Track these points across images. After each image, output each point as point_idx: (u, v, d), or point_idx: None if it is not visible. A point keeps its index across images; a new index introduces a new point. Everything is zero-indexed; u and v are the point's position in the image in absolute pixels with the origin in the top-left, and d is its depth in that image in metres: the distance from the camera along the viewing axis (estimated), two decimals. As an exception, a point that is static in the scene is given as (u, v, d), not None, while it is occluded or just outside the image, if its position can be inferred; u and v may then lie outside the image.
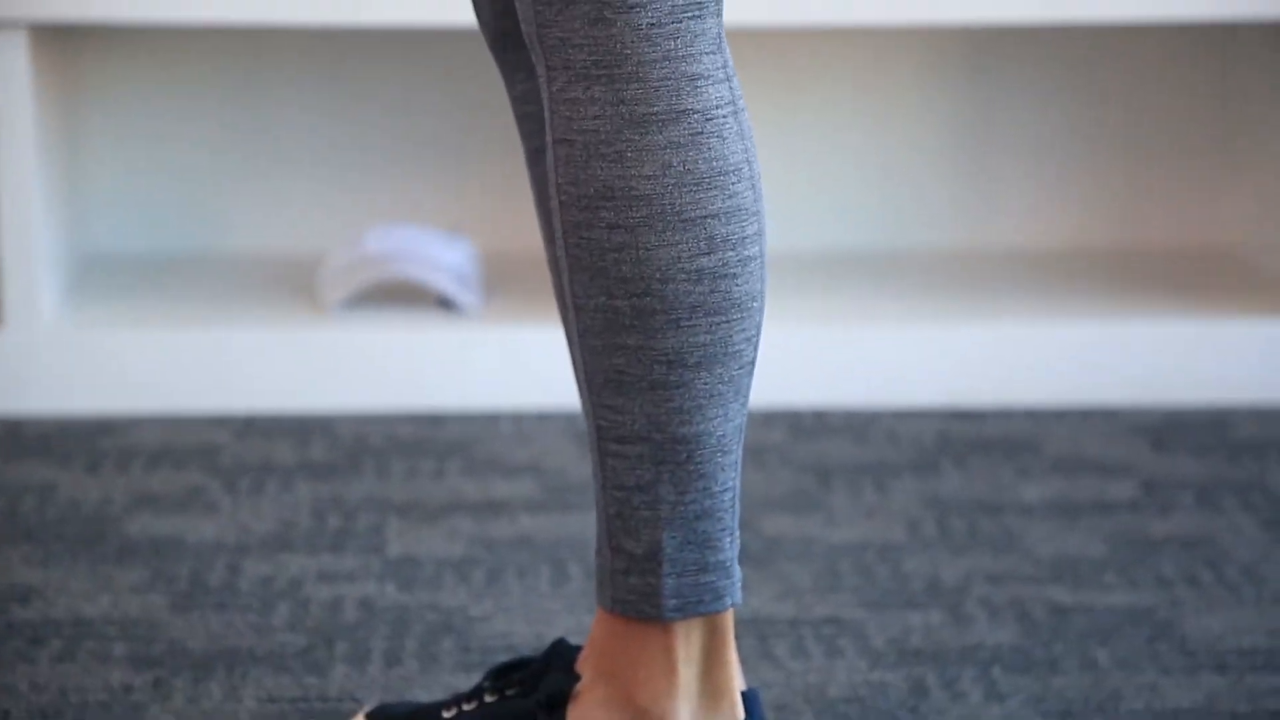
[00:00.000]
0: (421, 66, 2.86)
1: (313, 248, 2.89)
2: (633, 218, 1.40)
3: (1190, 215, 2.97)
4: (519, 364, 2.57)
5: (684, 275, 1.40)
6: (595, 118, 1.40)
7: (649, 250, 1.40)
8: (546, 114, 1.42)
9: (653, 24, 1.38)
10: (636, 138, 1.40)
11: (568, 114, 1.41)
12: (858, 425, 2.53)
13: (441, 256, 2.65)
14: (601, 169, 1.40)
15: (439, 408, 2.56)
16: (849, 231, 2.95)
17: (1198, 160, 2.95)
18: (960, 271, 2.84)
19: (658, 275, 1.40)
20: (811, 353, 2.59)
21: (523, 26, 1.42)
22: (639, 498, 1.45)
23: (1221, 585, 2.04)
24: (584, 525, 2.20)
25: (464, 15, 2.48)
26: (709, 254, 1.41)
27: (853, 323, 2.63)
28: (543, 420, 2.53)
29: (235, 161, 2.90)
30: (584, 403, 1.47)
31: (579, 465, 2.38)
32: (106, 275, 2.80)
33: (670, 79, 1.40)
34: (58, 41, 2.72)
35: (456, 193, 2.90)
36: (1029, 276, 2.82)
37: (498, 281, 2.76)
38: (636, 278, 1.40)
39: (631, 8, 1.38)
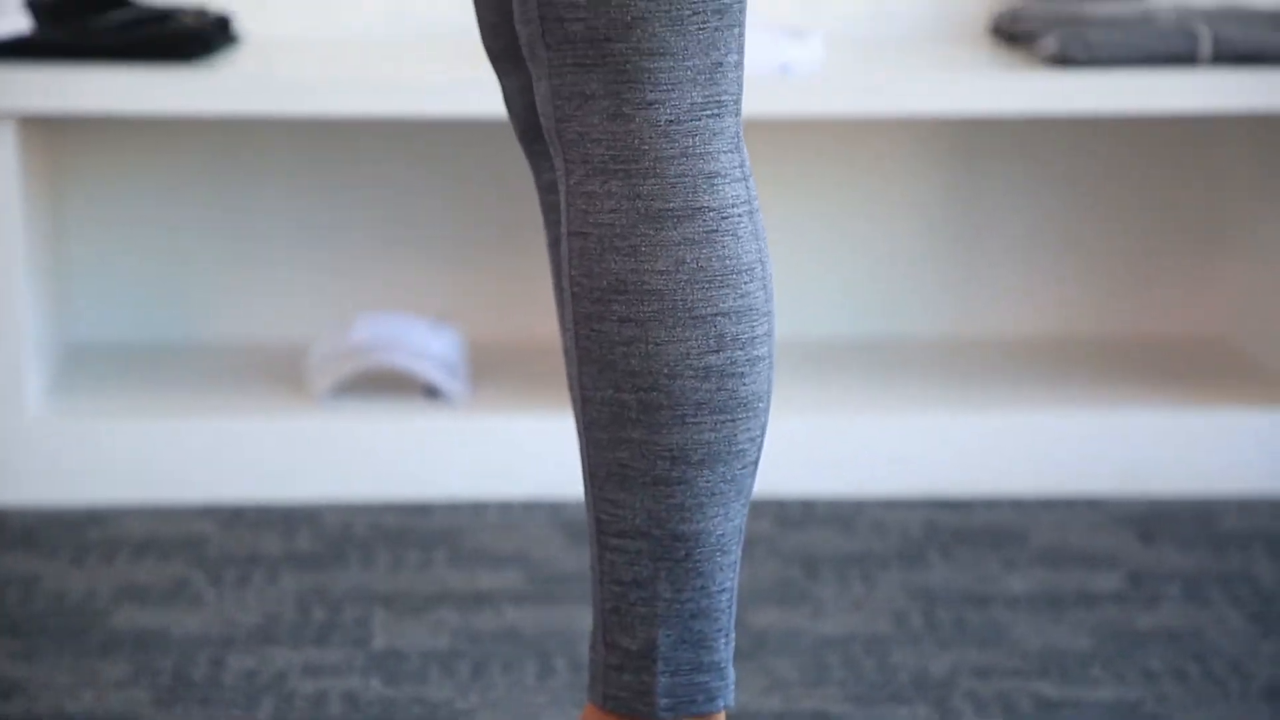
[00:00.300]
0: (406, 155, 2.87)
1: (299, 336, 2.89)
2: (644, 312, 1.40)
3: (1177, 305, 2.98)
4: (505, 453, 2.56)
5: (692, 372, 1.41)
6: (611, 211, 1.41)
7: (658, 345, 1.40)
8: (563, 206, 1.43)
9: (671, 121, 1.39)
10: (651, 233, 1.40)
11: (584, 207, 1.41)
12: (844, 515, 2.52)
13: (428, 345, 2.65)
14: (615, 262, 1.40)
15: (425, 497, 2.55)
16: (835, 320, 2.95)
17: (1185, 250, 2.96)
18: (947, 360, 2.84)
19: (666, 370, 1.40)
20: (798, 441, 2.59)
21: (542, 121, 1.44)
22: (636, 594, 1.45)
23: (1208, 680, 2.03)
24: (570, 618, 2.19)
25: (446, 105, 2.49)
26: (718, 352, 1.41)
27: (839, 411, 2.63)
28: (529, 509, 2.53)
29: (221, 250, 2.91)
30: (586, 495, 1.46)
31: (566, 556, 2.38)
32: (92, 364, 2.80)
33: (687, 176, 1.40)
34: (45, 132, 2.73)
35: (443, 280, 2.90)
36: (1016, 365, 2.82)
37: (484, 370, 2.75)
38: (645, 372, 1.41)
39: (650, 104, 1.39)
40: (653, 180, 1.40)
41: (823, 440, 2.59)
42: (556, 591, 2.27)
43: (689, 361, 1.40)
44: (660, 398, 1.40)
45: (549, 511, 2.52)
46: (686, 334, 1.40)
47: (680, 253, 1.40)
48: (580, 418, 1.44)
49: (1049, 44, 2.60)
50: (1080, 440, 2.61)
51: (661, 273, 1.40)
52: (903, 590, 2.27)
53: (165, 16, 2.63)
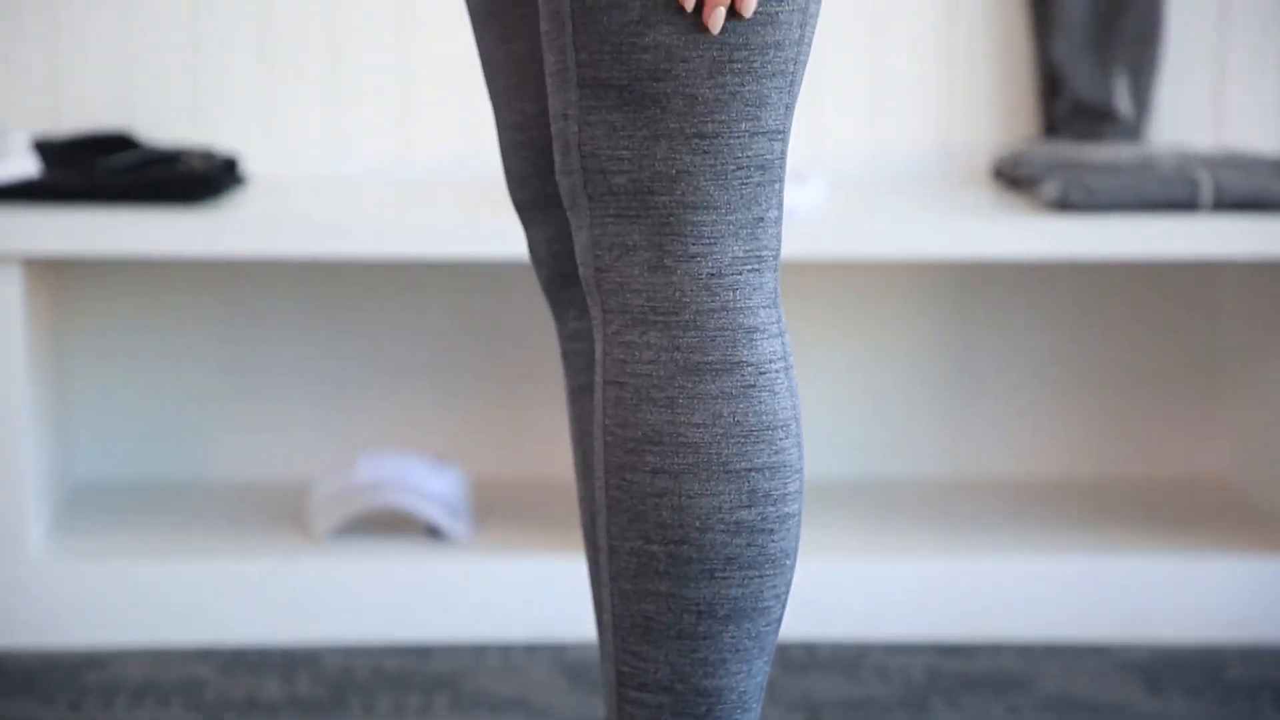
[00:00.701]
0: (409, 295, 2.87)
1: (302, 474, 2.88)
2: (678, 464, 1.40)
3: (1178, 448, 2.97)
4: (508, 594, 2.55)
5: (723, 526, 1.40)
6: (650, 362, 1.41)
7: (691, 498, 1.40)
8: (599, 355, 1.43)
9: (713, 274, 1.40)
10: (689, 385, 1.40)
11: (621, 357, 1.41)
12: (847, 660, 2.50)
13: (430, 485, 2.64)
14: (651, 414, 1.40)
15: (426, 639, 2.54)
16: (836, 460, 2.94)
17: (1184, 393, 2.96)
18: (949, 503, 2.83)
19: (697, 524, 1.40)
20: (800, 584, 2.58)
21: (580, 270, 1.44)
22: None
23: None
24: (572, 767, 2.17)
25: (450, 248, 2.49)
26: (749, 507, 1.40)
27: (841, 554, 2.61)
28: (531, 652, 2.51)
29: (223, 390, 2.90)
30: (605, 645, 1.45)
31: (566, 700, 2.36)
32: (94, 504, 2.79)
33: (727, 329, 1.40)
34: (50, 274, 2.73)
35: (446, 420, 2.89)
36: (1018, 509, 2.81)
37: (487, 509, 2.74)
38: (675, 524, 1.40)
39: (692, 257, 1.40)
40: (692, 333, 1.40)
41: (825, 584, 2.58)
42: (558, 739, 2.25)
43: (721, 516, 1.40)
44: (690, 551, 1.40)
45: (551, 654, 2.50)
46: (720, 488, 1.40)
47: (717, 406, 1.40)
48: (605, 568, 1.43)
49: (1050, 189, 2.60)
50: (1084, 585, 2.59)
51: (698, 425, 1.40)
52: (906, 739, 2.25)
53: (172, 159, 2.65)
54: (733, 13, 1.36)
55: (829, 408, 2.94)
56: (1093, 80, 2.86)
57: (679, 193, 1.39)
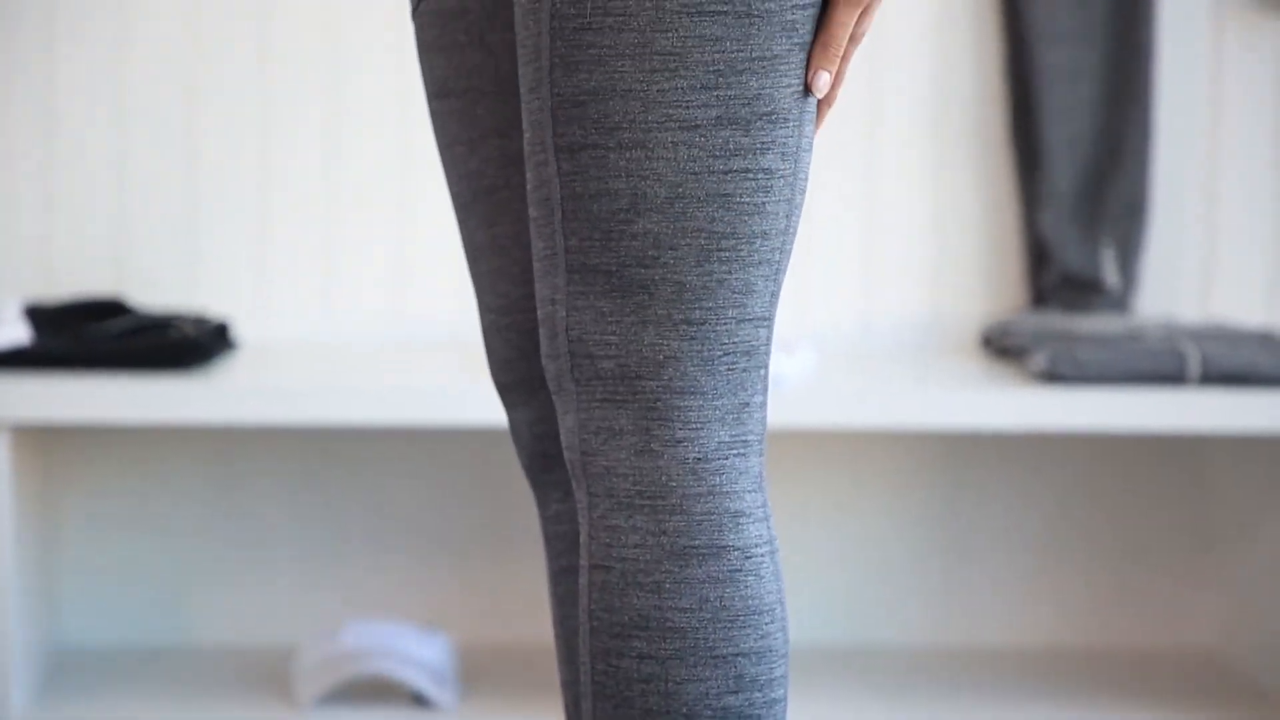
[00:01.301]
0: (397, 461, 2.87)
1: (288, 641, 2.86)
2: (665, 650, 1.39)
3: (1168, 620, 2.96)
4: (493, 765, 2.53)
5: (710, 712, 1.39)
6: (636, 546, 1.40)
7: (678, 684, 1.39)
8: (584, 539, 1.42)
9: (699, 458, 1.40)
10: (676, 569, 1.39)
11: (607, 540, 1.41)
12: None
13: (417, 652, 2.62)
14: (638, 598, 1.39)
15: (411, 811, 2.52)
16: (826, 631, 2.93)
17: (1175, 565, 2.95)
18: (939, 673, 2.82)
19: (684, 710, 1.39)
20: None
21: (566, 454, 1.43)
22: None
23: None
24: None
25: (437, 414, 2.49)
26: (736, 693, 1.39)
27: None
28: (516, 825, 2.49)
29: (210, 555, 2.89)
30: None
31: None
32: (79, 669, 2.77)
33: (714, 514, 1.40)
34: (39, 441, 2.72)
35: (433, 587, 2.88)
36: (1008, 679, 2.80)
37: (474, 677, 2.72)
38: (662, 711, 1.39)
39: (679, 442, 1.39)
40: (679, 517, 1.39)
41: None
42: None
43: (708, 701, 1.39)
44: None
45: (536, 827, 2.47)
46: (707, 674, 1.39)
47: (704, 591, 1.39)
48: None
49: (1039, 360, 2.61)
50: None
51: (685, 610, 1.39)
52: None
53: (164, 324, 2.65)
54: (721, 200, 1.38)
55: (818, 576, 2.93)
56: (1080, 252, 2.88)
57: (666, 378, 1.39)
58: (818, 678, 2.78)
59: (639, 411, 1.40)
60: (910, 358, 2.83)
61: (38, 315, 2.67)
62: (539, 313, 1.44)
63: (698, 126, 1.36)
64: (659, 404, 1.40)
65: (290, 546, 2.89)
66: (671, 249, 1.38)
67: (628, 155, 1.37)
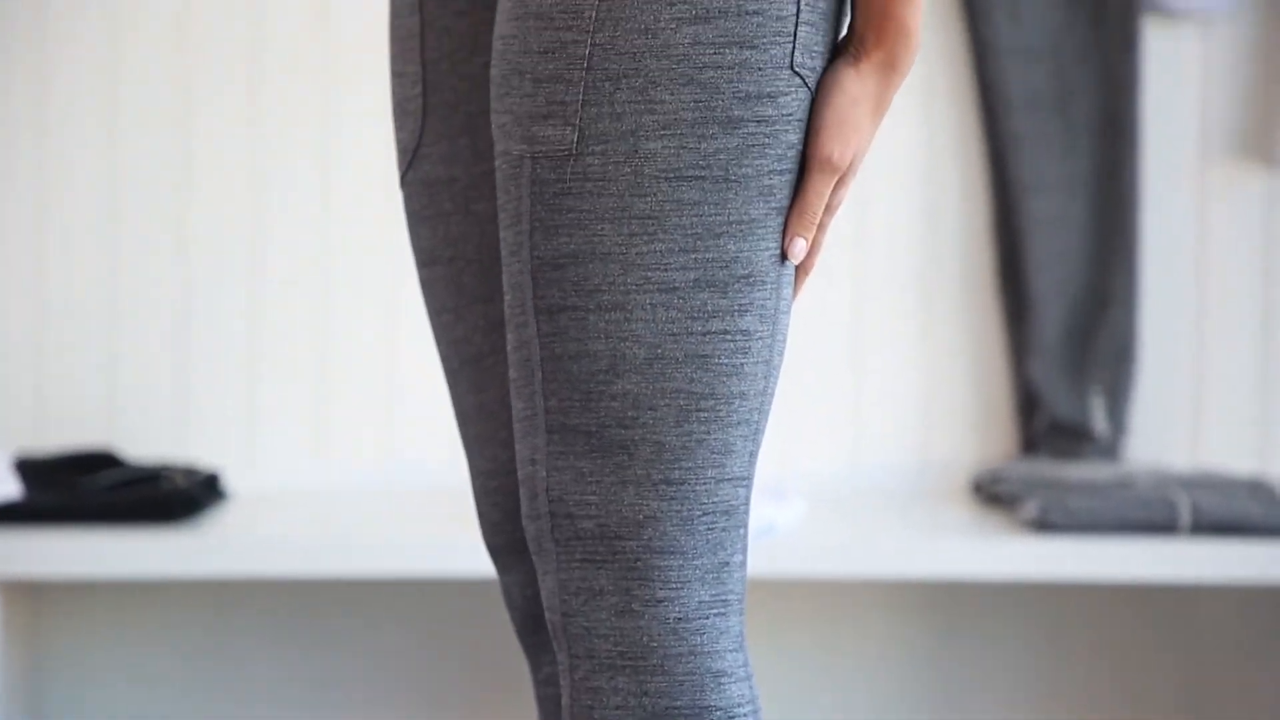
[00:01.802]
0: (390, 612, 2.86)
1: None
2: None
3: None
4: None
5: None
6: (618, 708, 1.39)
7: None
8: (566, 702, 1.42)
9: (680, 618, 1.39)
10: None
11: (589, 703, 1.40)
12: None
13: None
14: None
15: None
16: None
17: (1167, 716, 2.93)
18: None
19: None
20: None
21: (547, 615, 1.43)
22: None
23: None
24: None
25: (431, 565, 2.49)
26: None
27: None
28: None
29: (198, 709, 2.88)
30: None
31: None
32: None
33: (695, 674, 1.39)
34: (28, 595, 2.72)
35: (426, 737, 2.86)
36: None
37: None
38: None
39: (660, 602, 1.39)
40: (660, 678, 1.39)
41: None
42: None
43: None
44: None
45: None
46: None
47: None
48: None
49: (1030, 508, 2.61)
50: None
51: None
52: None
53: (155, 476, 2.66)
54: (700, 361, 1.38)
55: (806, 713, 2.91)
56: (1069, 399, 2.89)
57: (646, 537, 1.39)
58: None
59: (619, 571, 1.40)
60: (900, 504, 2.83)
61: (27, 468, 2.67)
62: (519, 473, 1.44)
63: (676, 289, 1.37)
64: (639, 564, 1.40)
65: (280, 699, 2.87)
66: (651, 409, 1.38)
67: (607, 317, 1.37)
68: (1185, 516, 2.58)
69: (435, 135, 1.56)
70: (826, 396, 2.92)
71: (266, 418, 2.85)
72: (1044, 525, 2.58)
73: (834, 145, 1.42)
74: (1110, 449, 2.87)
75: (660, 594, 1.40)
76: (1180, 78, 2.93)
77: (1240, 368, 2.94)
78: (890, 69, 1.43)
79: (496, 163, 1.43)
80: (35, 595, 2.78)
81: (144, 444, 2.87)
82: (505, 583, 1.63)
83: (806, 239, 1.42)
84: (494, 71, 1.44)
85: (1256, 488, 2.69)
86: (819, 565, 2.57)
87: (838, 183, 1.43)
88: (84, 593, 2.84)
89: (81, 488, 2.61)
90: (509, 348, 1.43)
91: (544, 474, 1.41)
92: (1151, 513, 2.59)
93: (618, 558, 1.40)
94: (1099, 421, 2.88)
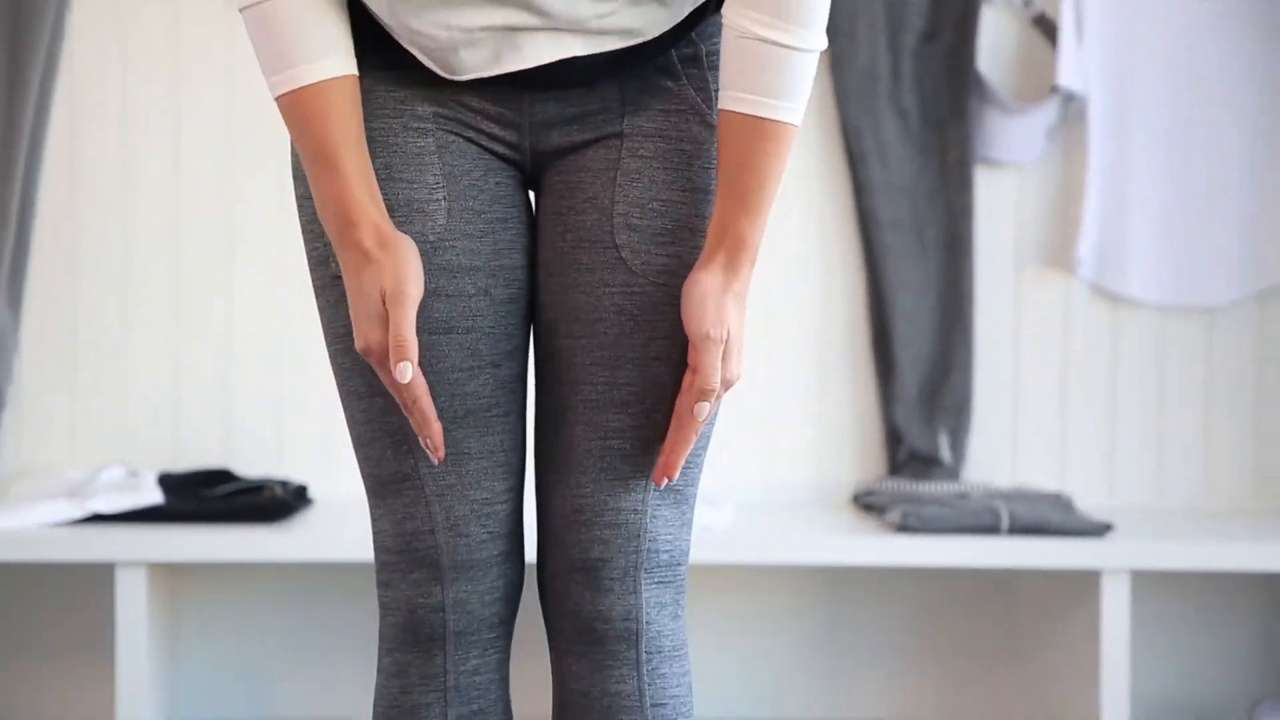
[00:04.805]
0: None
1: (350, 714, 2.78)
2: None
3: (990, 705, 2.86)
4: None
5: None
6: (677, 686, 1.39)
7: None
8: (635, 687, 1.39)
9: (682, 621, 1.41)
10: (691, 701, 1.41)
11: (662, 685, 1.38)
12: None
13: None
14: None
15: None
16: (739, 707, 2.83)
17: (994, 665, 2.86)
18: None
19: None
20: None
21: (618, 624, 1.38)
22: None
23: None
24: None
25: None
26: None
27: None
28: None
29: (291, 657, 2.82)
30: None
31: None
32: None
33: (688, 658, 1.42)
34: (167, 576, 2.67)
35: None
36: None
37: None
38: None
39: (684, 608, 1.41)
40: (688, 662, 1.41)
41: None
42: None
43: None
44: None
45: None
46: None
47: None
48: None
49: (895, 516, 2.59)
50: None
51: None
52: None
53: (259, 488, 2.64)
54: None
55: (736, 670, 2.85)
56: (923, 436, 2.84)
57: (687, 563, 1.42)
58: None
59: (676, 589, 1.40)
60: (801, 511, 2.78)
61: (167, 482, 2.66)
62: (611, 517, 1.37)
63: None
64: (684, 583, 1.41)
65: (350, 648, 2.81)
66: (696, 469, 1.41)
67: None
68: (1005, 521, 2.56)
69: (458, 233, 1.38)
70: (749, 431, 2.87)
71: (342, 442, 2.65)
72: (905, 528, 2.56)
73: (706, 325, 1.33)
74: (953, 473, 2.84)
75: (685, 603, 1.42)
76: (1002, 208, 2.88)
77: (1047, 415, 2.89)
78: (732, 271, 1.33)
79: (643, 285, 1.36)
80: (173, 575, 2.74)
81: (252, 463, 2.83)
82: (464, 593, 1.42)
83: (708, 401, 1.34)
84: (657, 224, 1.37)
85: (1057, 500, 2.67)
86: (743, 555, 2.54)
87: (724, 357, 1.34)
88: (208, 572, 2.81)
89: (206, 496, 2.59)
90: (626, 424, 1.37)
91: (647, 521, 1.38)
92: (981, 518, 2.56)
93: (677, 579, 1.40)
94: (945, 452, 2.83)
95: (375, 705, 1.42)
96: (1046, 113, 2.83)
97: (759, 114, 1.31)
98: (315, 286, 1.40)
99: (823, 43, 1.31)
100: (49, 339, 2.80)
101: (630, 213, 1.37)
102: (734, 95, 1.31)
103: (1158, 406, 2.91)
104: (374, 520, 1.44)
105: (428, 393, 1.34)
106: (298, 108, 1.32)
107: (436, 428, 1.35)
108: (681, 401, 1.35)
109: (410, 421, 1.35)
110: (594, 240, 1.38)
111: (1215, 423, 2.92)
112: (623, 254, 1.37)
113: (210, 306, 2.83)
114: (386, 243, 1.32)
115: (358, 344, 1.33)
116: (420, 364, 1.36)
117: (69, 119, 2.80)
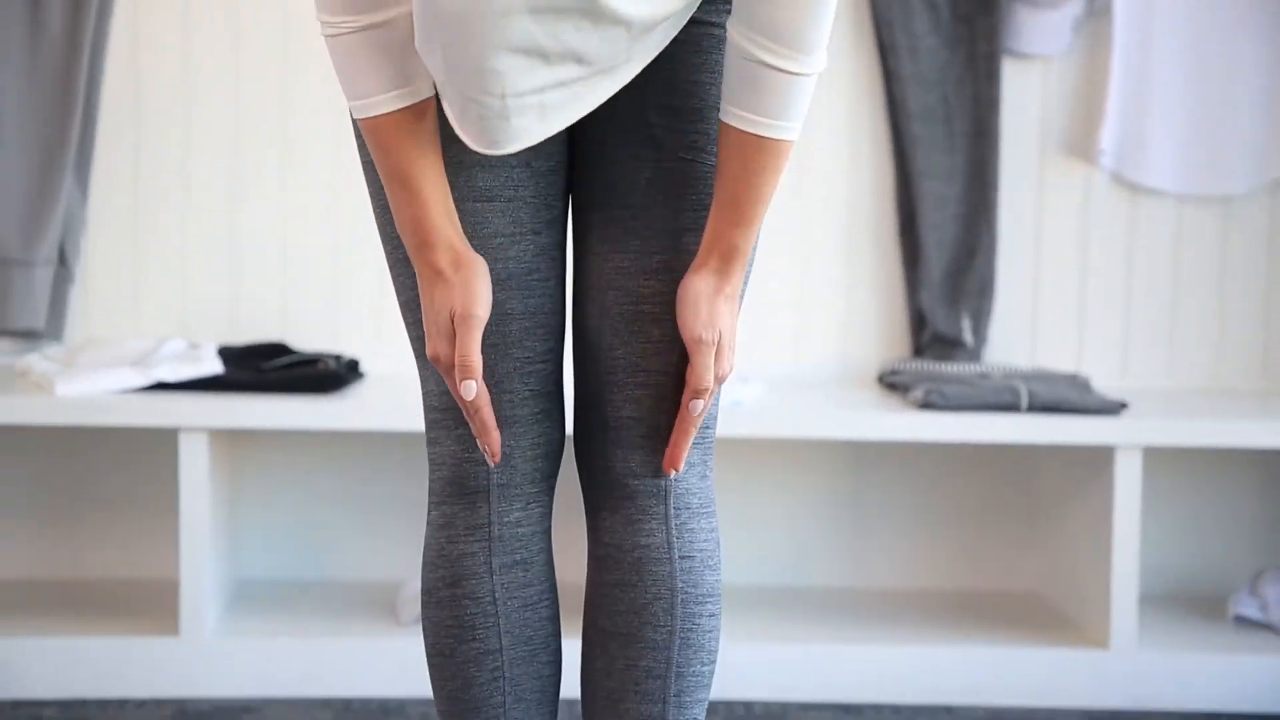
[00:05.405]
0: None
1: (396, 576, 2.82)
2: (718, 609, 1.42)
3: (1005, 571, 2.89)
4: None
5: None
6: (704, 541, 1.41)
7: (719, 631, 1.43)
8: (664, 539, 1.40)
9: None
10: (719, 556, 1.42)
11: (690, 539, 1.41)
12: (774, 713, 2.42)
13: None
14: (710, 576, 1.41)
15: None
16: (765, 573, 2.85)
17: (1010, 534, 2.88)
18: (843, 603, 2.76)
19: (716, 646, 1.43)
20: (732, 662, 2.51)
21: (651, 480, 1.40)
22: None
23: None
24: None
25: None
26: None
27: (763, 641, 2.53)
28: None
29: (345, 517, 2.84)
30: None
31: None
32: (252, 597, 2.74)
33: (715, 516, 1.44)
34: (227, 441, 2.68)
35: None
36: (895, 609, 2.75)
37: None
38: (715, 649, 1.43)
39: (712, 469, 1.43)
40: (715, 519, 1.44)
41: (754, 660, 2.50)
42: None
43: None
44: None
45: None
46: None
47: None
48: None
49: (918, 394, 2.60)
50: (940, 665, 2.55)
51: (720, 582, 1.42)
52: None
53: (314, 360, 2.64)
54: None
55: (763, 537, 2.87)
56: (947, 319, 2.85)
57: (716, 426, 1.45)
58: (758, 609, 2.73)
59: (704, 449, 1.42)
60: (829, 389, 2.79)
61: (227, 354, 2.66)
62: (643, 379, 1.39)
63: None
64: (712, 444, 1.43)
65: (399, 511, 2.83)
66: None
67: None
68: (1024, 400, 2.56)
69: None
70: (780, 313, 2.87)
71: (392, 319, 2.79)
72: (927, 405, 2.56)
73: (699, 328, 1.34)
74: (975, 354, 2.84)
75: (713, 464, 1.43)
76: (1027, 99, 2.87)
77: (1065, 299, 2.89)
78: (724, 276, 1.35)
79: None
80: (233, 441, 2.74)
81: (307, 338, 2.83)
82: (507, 447, 1.43)
83: (702, 399, 1.35)
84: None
85: (1073, 380, 2.68)
86: (773, 430, 2.54)
87: (716, 356, 1.35)
88: (266, 440, 2.83)
89: (264, 368, 2.60)
90: (657, 289, 1.37)
91: (677, 383, 1.39)
92: (1002, 397, 2.56)
93: (705, 440, 1.41)
94: (967, 335, 2.83)
95: (424, 555, 1.45)
96: (1073, 6, 2.80)
97: (758, 133, 1.32)
98: (367, 179, 1.42)
99: (823, 64, 1.31)
100: (115, 218, 2.81)
101: (661, 93, 1.39)
102: (735, 112, 1.32)
103: (1172, 291, 2.91)
104: (422, 381, 1.45)
105: (489, 404, 1.37)
106: (376, 134, 1.34)
107: (495, 435, 1.39)
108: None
109: (470, 427, 1.38)
110: (627, 118, 1.39)
111: (1227, 308, 2.91)
112: (654, 131, 1.38)
113: (267, 190, 2.82)
114: (460, 264, 1.34)
115: (428, 351, 1.36)
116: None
117: (133, 2, 2.79)
